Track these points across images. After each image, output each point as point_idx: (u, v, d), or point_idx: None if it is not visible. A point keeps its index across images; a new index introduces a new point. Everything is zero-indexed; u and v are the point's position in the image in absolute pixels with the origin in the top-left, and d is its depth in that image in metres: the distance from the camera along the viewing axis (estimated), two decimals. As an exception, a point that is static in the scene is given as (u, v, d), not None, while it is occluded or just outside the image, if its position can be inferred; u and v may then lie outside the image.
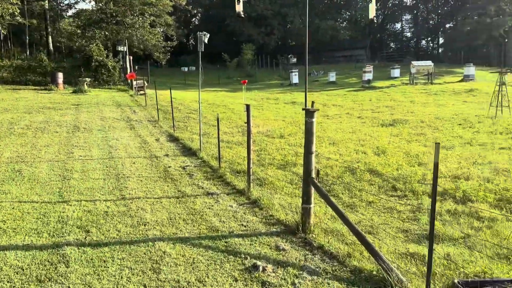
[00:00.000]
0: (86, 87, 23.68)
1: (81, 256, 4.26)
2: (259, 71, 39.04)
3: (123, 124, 13.93)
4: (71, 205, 6.01)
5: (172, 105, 13.50)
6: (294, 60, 38.54)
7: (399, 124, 14.85)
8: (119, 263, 4.09)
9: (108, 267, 4.01)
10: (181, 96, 23.09)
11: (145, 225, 5.15)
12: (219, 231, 4.93)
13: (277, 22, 50.15)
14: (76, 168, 8.34)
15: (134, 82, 23.84)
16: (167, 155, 9.60)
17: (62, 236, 4.85)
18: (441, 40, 63.81)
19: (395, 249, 4.60)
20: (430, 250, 3.21)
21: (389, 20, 65.78)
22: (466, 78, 27.38)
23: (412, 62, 28.97)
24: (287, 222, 5.16)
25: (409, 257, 4.39)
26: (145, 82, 23.28)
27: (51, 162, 8.88)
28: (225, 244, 4.54)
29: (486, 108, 18.64)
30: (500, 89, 16.33)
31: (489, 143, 11.16)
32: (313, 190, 4.80)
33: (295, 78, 30.75)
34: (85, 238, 4.78)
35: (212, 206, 5.96)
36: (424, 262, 4.25)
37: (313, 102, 4.82)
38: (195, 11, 68.43)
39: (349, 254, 4.18)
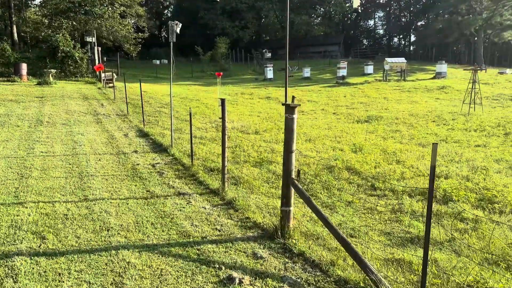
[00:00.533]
0: (51, 78, 22.56)
1: (33, 269, 3.76)
2: (233, 65, 38.49)
3: (90, 118, 13.22)
4: (27, 207, 5.45)
5: (142, 99, 12.90)
6: (269, 55, 38.15)
7: (374, 121, 14.75)
8: (76, 277, 3.61)
9: (64, 282, 3.53)
10: (152, 90, 22.37)
11: (108, 230, 4.67)
12: (191, 237, 4.51)
13: (251, 16, 49.59)
14: (36, 165, 7.71)
15: (103, 74, 22.89)
16: (135, 151, 9.07)
17: (14, 244, 4.31)
18: (412, 38, 64.90)
19: (380, 255, 4.31)
20: (425, 263, 2.91)
21: (362, 17, 66.32)
22: (438, 75, 27.76)
23: (385, 59, 29.12)
24: (265, 226, 4.79)
25: (395, 263, 4.10)
26: (114, 74, 22.38)
27: (9, 158, 8.20)
28: (198, 252, 4.13)
29: (458, 105, 18.91)
30: (473, 87, 16.50)
31: (464, 141, 11.15)
32: (293, 191, 4.44)
33: (270, 73, 30.39)
34: (39, 246, 4.26)
35: (184, 207, 5.53)
36: (411, 270, 3.98)
37: (293, 97, 4.46)
38: (168, 3, 67.08)
39: (332, 262, 3.85)
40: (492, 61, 43.15)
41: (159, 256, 3.99)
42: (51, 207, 5.45)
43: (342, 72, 28.04)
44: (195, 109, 16.99)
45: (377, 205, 6.09)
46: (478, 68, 19.85)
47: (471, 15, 34.73)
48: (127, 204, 5.60)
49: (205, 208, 5.50)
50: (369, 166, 8.24)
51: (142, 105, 12.79)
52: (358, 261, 3.38)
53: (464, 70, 23.07)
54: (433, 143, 2.86)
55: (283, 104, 4.45)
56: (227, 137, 10.84)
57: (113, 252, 4.07)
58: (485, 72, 32.47)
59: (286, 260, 3.97)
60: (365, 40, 69.52)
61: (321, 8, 62.23)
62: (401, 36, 67.90)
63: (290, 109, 4.30)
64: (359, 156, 9.17)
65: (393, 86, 25.81)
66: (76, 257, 3.97)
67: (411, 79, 28.47)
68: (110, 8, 32.68)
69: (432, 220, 5.43)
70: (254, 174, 7.58)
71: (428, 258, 2.97)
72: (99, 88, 21.67)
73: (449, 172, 7.78)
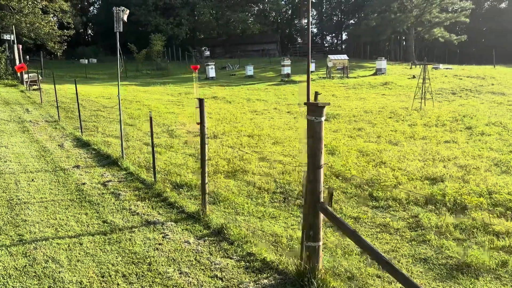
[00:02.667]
0: (-39, 81, 19.46)
1: None
2: (170, 64, 36.51)
3: (14, 127, 11.11)
4: None
5: (78, 101, 11.02)
6: (207, 53, 36.67)
7: (332, 119, 14.07)
8: None
9: None
10: (84, 91, 20.10)
11: (62, 294, 3.22)
12: (187, 295, 3.21)
13: (186, 12, 47.56)
14: None
15: (25, 76, 20.18)
16: (77, 166, 7.41)
17: None
18: (344, 36, 66.72)
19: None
20: None
21: (296, 15, 66.84)
22: (379, 71, 28.15)
23: (328, 56, 28.99)
24: (280, 267, 3.61)
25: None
26: (39, 75, 19.80)
27: None
28: (205, 322, 2.86)
29: (405, 101, 19.01)
30: (424, 82, 16.53)
31: (431, 137, 10.74)
32: (321, 220, 3.32)
33: (211, 72, 28.98)
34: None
35: (161, 244, 4.18)
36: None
37: (316, 93, 3.36)
38: (93, -1, 62.94)
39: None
40: (421, 57, 45.20)
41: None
42: (-31, 258, 3.84)
43: (287, 70, 27.46)
44: (138, 112, 15.33)
45: (388, 220, 5.15)
46: (429, 64, 20.01)
47: (398, 14, 35.89)
48: (81, 245, 4.13)
49: (190, 243, 4.20)
50: (356, 171, 7.36)
51: (78, 108, 10.95)
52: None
53: (412, 66, 23.44)
54: None
55: (305, 104, 3.32)
56: (184, 143, 9.47)
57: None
58: (419, 67, 33.67)
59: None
60: (299, 39, 70.17)
61: (255, 7, 61.70)
62: (333, 35, 69.51)
63: (317, 109, 3.18)
64: (338, 159, 8.28)
65: (337, 83, 25.66)
66: None
67: (353, 76, 28.58)
68: (30, 3, 29.29)
69: (462, 237, 4.59)
70: (231, 188, 6.36)
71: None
72: (22, 91, 19.00)
73: (442, 173, 7.11)
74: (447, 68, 30.86)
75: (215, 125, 12.71)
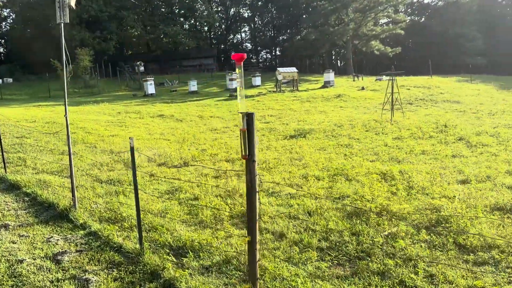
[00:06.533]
0: None
1: None
2: (100, 81, 33.05)
3: None
4: None
5: (-3, 127, 8.23)
6: (142, 68, 33.83)
7: (309, 135, 12.43)
8: None
9: None
10: (2, 115, 16.68)
11: None
12: None
13: (114, 26, 43.96)
14: None
15: None
16: (5, 226, 4.85)
17: None
18: (278, 51, 66.70)
19: None
20: None
21: (231, 31, 65.66)
22: (327, 84, 27.40)
23: (278, 69, 27.71)
24: None
25: None
26: None
27: None
28: None
29: (367, 112, 18.18)
30: (393, 93, 15.74)
31: (431, 151, 9.47)
32: None
33: (150, 88, 26.31)
34: None
35: None
36: None
37: None
38: (6, 13, 56.87)
39: None
40: (357, 69, 45.98)
41: None
42: None
43: (236, 84, 25.65)
44: (74, 136, 12.50)
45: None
46: (397, 73, 19.26)
47: (336, 27, 35.85)
48: None
49: None
50: (401, 204, 5.61)
51: (-2, 137, 8.13)
52: None
53: (355, 78, 22.80)
54: None
55: None
56: (150, 175, 7.10)
57: None
58: (362, 80, 33.72)
59: None
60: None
61: (187, 22, 59.56)
62: (267, 50, 69.30)
63: None
64: (363, 187, 6.51)
65: (290, 97, 24.35)
66: None
67: (303, 89, 27.55)
68: None
69: None
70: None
71: None
72: None
73: (504, 201, 5.60)
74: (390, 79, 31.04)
75: (178, 148, 10.45)
